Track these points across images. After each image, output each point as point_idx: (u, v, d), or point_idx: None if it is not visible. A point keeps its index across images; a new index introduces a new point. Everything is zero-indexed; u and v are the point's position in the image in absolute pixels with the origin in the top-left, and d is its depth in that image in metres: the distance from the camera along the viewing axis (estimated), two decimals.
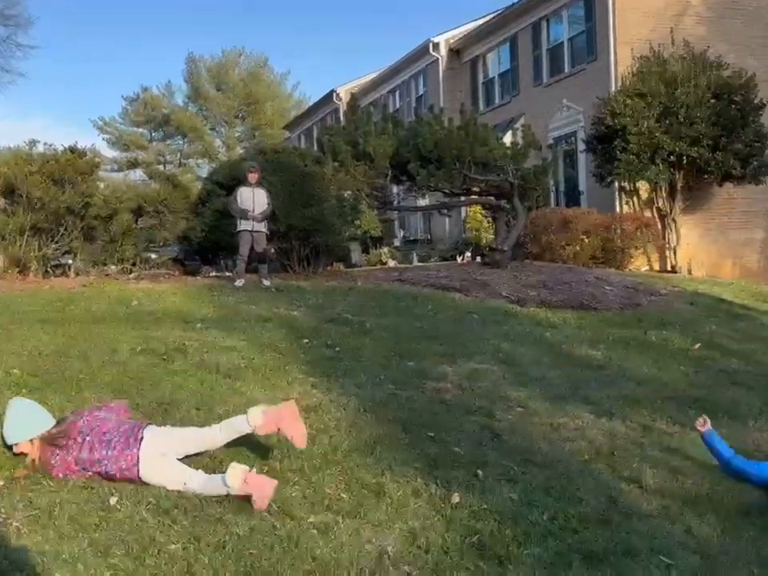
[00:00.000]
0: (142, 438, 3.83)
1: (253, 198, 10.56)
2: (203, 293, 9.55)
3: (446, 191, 13.55)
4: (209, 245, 13.16)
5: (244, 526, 3.34)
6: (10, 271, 11.17)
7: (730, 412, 5.57)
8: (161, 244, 14.68)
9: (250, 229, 10.55)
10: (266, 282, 10.54)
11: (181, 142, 48.30)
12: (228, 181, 12.82)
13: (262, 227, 10.66)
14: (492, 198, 13.93)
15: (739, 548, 3.47)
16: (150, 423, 4.09)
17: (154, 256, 14.45)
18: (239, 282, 10.42)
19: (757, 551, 3.45)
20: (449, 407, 5.30)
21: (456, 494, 3.75)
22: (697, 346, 7.82)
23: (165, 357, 5.99)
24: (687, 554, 3.32)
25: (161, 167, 44.74)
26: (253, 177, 10.69)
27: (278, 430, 3.99)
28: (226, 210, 11.35)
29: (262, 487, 3.56)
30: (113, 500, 3.54)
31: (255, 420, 3.93)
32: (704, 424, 4.22)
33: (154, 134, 48.30)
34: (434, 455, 4.31)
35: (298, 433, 3.97)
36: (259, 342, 6.72)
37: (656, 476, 4.17)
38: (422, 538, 3.32)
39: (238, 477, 3.57)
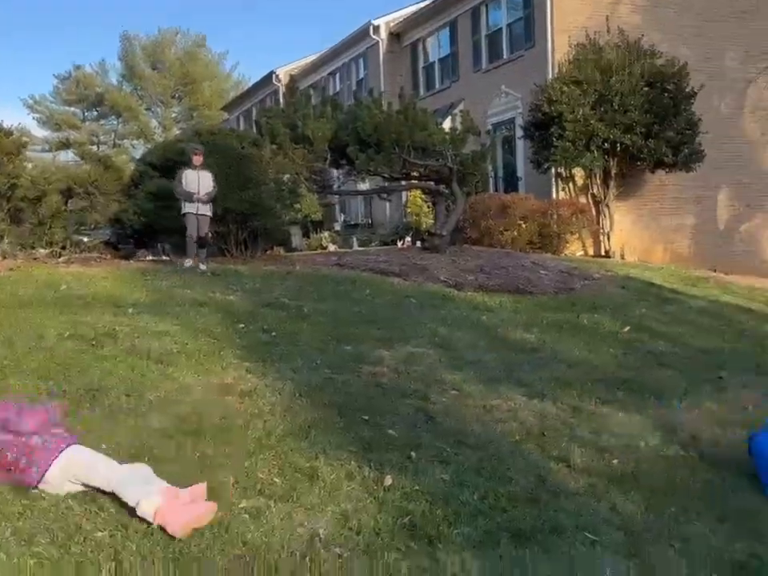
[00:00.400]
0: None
1: (198, 181, 10.48)
2: (136, 277, 9.33)
3: (386, 175, 13.55)
4: (143, 228, 12.89)
5: None
6: None
7: (656, 393, 5.75)
8: (92, 227, 14.29)
9: (194, 212, 10.50)
10: (203, 267, 10.42)
11: (115, 122, 47.05)
12: (162, 162, 12.56)
13: (207, 210, 10.61)
14: (431, 182, 13.99)
15: (662, 524, 3.59)
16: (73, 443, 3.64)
17: (85, 239, 14.06)
18: (187, 262, 10.39)
19: (678, 528, 3.57)
20: (384, 391, 5.32)
21: (389, 476, 3.77)
22: (626, 328, 8.03)
23: (94, 342, 5.85)
24: (612, 530, 3.42)
25: (94, 148, 43.49)
26: (197, 159, 10.60)
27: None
28: (160, 193, 11.14)
29: (176, 517, 3.17)
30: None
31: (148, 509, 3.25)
32: None
33: (87, 114, 46.93)
34: (368, 438, 4.32)
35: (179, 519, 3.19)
36: (193, 327, 6.61)
37: (584, 455, 4.28)
38: (354, 520, 3.33)
39: (147, 514, 3.22)
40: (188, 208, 10.50)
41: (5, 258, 11.57)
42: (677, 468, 4.29)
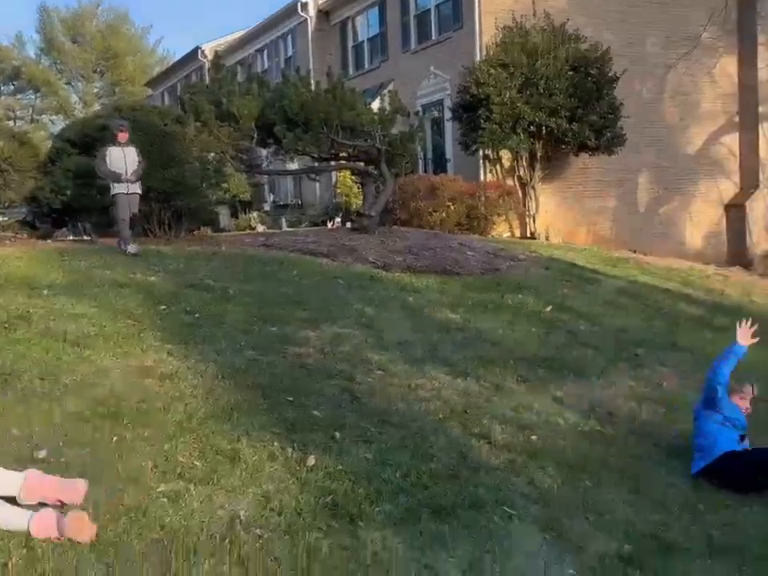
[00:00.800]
0: None
1: (124, 158, 9.88)
2: (53, 257, 8.99)
3: (314, 155, 13.41)
4: (61, 207, 12.40)
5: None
6: None
7: (576, 370, 5.91)
8: (6, 205, 13.71)
9: (125, 191, 9.91)
10: (133, 249, 10.01)
11: (33, 97, 45.14)
12: (80, 138, 12.10)
13: (137, 188, 10.05)
14: (360, 163, 13.93)
15: (577, 498, 3.70)
16: None
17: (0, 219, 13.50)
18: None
19: (592, 500, 3.68)
20: (310, 372, 5.30)
21: (312, 456, 3.77)
22: (549, 308, 8.21)
23: (6, 325, 5.61)
24: (529, 503, 3.50)
25: (11, 123, 41.62)
26: (123, 136, 9.98)
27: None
28: (79, 171, 10.72)
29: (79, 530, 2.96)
30: None
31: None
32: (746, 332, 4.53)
33: (3, 88, 44.86)
34: (292, 419, 4.30)
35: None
36: (112, 309, 6.42)
37: (504, 432, 4.36)
38: (276, 500, 3.31)
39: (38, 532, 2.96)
40: (118, 188, 9.92)
41: None
42: (594, 443, 4.42)
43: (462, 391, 5.07)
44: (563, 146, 15.82)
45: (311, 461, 3.72)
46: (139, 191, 10.19)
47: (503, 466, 3.90)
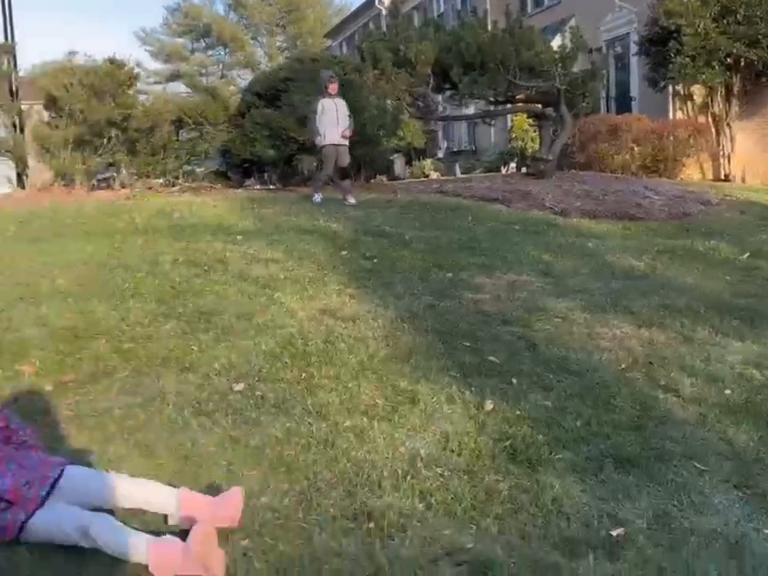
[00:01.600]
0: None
1: (336, 110, 9.98)
2: (244, 205, 9.59)
3: (490, 99, 13.18)
4: (250, 157, 13.12)
5: (281, 429, 3.45)
6: (56, 184, 11.36)
7: None
8: (203, 157, 14.72)
9: (334, 143, 10.02)
10: (352, 200, 9.98)
11: (222, 53, 47.70)
12: (267, 91, 12.64)
13: (346, 140, 10.11)
14: (538, 105, 13.51)
15: None
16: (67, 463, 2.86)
17: (197, 169, 14.52)
18: (317, 198, 9.95)
19: None
20: (486, 318, 5.29)
21: (490, 401, 3.78)
22: (745, 255, 7.61)
23: (206, 268, 6.09)
24: (721, 460, 3.32)
25: (202, 79, 44.37)
26: (333, 88, 10.05)
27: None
28: (265, 123, 11.20)
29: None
30: (156, 403, 3.68)
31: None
32: None
33: (195, 45, 47.74)
34: (469, 364, 4.34)
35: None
36: (298, 254, 6.76)
37: (694, 385, 4.14)
38: (455, 442, 3.37)
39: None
40: (327, 139, 10.00)
41: (122, 187, 12.12)
42: None
43: (646, 341, 4.85)
44: (764, 80, 14.41)
45: (489, 405, 3.75)
46: (346, 143, 10.15)
47: (693, 420, 3.71)
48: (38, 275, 5.73)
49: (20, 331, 4.55)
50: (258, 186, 13.17)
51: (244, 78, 44.04)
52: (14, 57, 13.93)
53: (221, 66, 47.77)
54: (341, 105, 10.12)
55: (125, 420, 3.51)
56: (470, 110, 17.05)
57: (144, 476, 2.93)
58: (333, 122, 9.99)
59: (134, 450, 3.25)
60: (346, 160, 10.28)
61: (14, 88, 13.27)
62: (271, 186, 13.22)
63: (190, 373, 4.10)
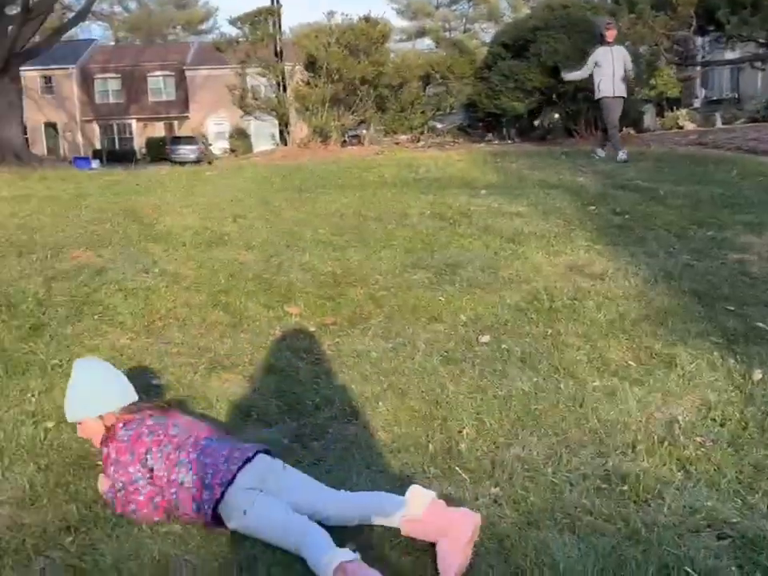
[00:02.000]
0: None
1: (612, 60, 9.50)
2: (487, 160, 9.58)
3: (762, 40, 11.84)
4: (494, 110, 13.02)
5: (528, 383, 3.44)
6: (313, 140, 12.15)
7: None
8: (446, 112, 14.88)
9: (610, 95, 9.53)
10: (623, 155, 9.41)
11: (466, 6, 47.64)
12: (515, 42, 12.39)
13: (623, 91, 9.59)
14: None
15: None
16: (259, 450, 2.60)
17: (439, 125, 14.73)
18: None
19: None
20: (753, 280, 4.83)
21: (759, 370, 3.47)
22: None
23: (451, 221, 6.19)
24: None
25: (447, 34, 44.66)
26: (611, 34, 9.56)
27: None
28: (511, 75, 11.01)
29: None
30: (407, 349, 3.84)
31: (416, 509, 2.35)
32: None
33: (439, 1, 48.10)
34: (733, 329, 4.00)
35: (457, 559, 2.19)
36: (543, 209, 6.63)
37: None
38: (717, 411, 3.15)
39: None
40: (603, 92, 9.52)
41: (372, 143, 12.66)
42: None
43: None
44: None
45: (757, 375, 3.43)
46: (625, 95, 9.62)
47: None
48: (302, 224, 6.19)
49: (288, 276, 4.96)
50: (497, 141, 13.07)
51: (487, 32, 43.71)
52: (279, 19, 15.05)
53: (464, 21, 47.77)
54: (618, 51, 9.54)
55: (380, 362, 3.71)
56: (736, 54, 15.46)
57: (399, 417, 3.08)
58: (609, 73, 9.44)
59: (388, 391, 3.43)
60: (619, 111, 9.70)
61: (278, 49, 14.37)
62: (509, 141, 13.05)
63: (438, 323, 4.22)
